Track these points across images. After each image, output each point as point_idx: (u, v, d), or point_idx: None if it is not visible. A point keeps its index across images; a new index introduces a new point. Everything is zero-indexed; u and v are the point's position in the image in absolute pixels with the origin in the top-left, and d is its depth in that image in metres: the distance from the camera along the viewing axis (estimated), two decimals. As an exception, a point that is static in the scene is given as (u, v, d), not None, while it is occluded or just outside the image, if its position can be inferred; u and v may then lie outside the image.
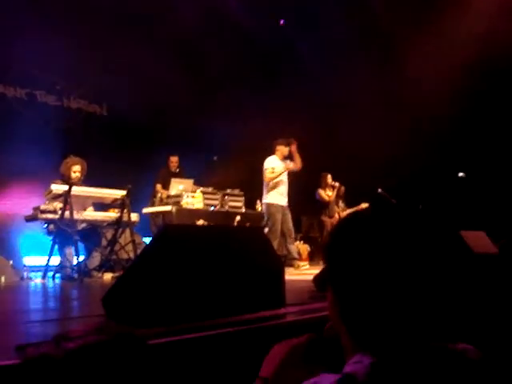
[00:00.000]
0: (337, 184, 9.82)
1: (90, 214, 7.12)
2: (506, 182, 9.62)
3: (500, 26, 8.55)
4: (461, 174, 9.21)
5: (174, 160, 9.52)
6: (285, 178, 8.64)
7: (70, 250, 6.82)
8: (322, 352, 1.20)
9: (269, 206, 8.55)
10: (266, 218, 8.59)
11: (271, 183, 8.54)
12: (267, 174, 8.53)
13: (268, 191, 8.58)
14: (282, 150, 8.70)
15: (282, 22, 12.66)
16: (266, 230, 8.64)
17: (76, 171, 7.27)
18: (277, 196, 8.52)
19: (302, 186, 8.79)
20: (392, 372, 0.92)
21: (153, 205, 8.74)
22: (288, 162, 8.71)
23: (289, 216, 8.66)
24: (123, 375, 1.13)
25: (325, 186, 9.86)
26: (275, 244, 8.22)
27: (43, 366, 1.01)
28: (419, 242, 0.99)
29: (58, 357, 1.01)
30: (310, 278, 4.75)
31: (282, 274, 3.34)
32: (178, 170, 9.50)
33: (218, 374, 2.16)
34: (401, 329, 0.97)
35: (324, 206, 9.84)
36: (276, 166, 8.59)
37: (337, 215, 9.72)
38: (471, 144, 10.12)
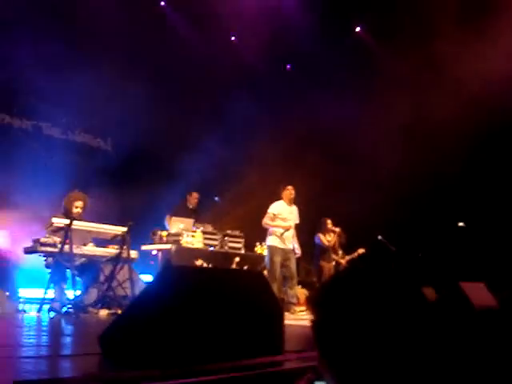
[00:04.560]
0: (337, 229, 9.76)
1: (90, 248, 7.10)
2: (505, 233, 9.62)
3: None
4: (461, 224, 9.23)
5: (195, 196, 9.44)
6: (291, 222, 8.59)
7: (67, 285, 6.80)
8: None
9: (268, 248, 8.54)
10: (266, 260, 8.56)
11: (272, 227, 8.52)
12: (265, 219, 8.53)
13: (269, 234, 8.57)
14: (286, 194, 8.69)
15: (288, 66, 12.97)
16: (265, 272, 8.61)
17: (78, 206, 7.26)
18: (277, 239, 8.47)
19: (299, 231, 8.75)
20: None
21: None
22: (294, 209, 8.70)
23: (293, 260, 8.55)
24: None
25: (325, 230, 9.81)
26: (273, 287, 8.15)
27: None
28: (408, 305, 0.94)
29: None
30: (307, 323, 4.71)
31: (282, 319, 3.31)
32: (195, 207, 9.44)
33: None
34: None
35: (323, 250, 9.75)
36: (280, 211, 8.57)
37: (335, 262, 9.68)
38: (472, 194, 10.16)
